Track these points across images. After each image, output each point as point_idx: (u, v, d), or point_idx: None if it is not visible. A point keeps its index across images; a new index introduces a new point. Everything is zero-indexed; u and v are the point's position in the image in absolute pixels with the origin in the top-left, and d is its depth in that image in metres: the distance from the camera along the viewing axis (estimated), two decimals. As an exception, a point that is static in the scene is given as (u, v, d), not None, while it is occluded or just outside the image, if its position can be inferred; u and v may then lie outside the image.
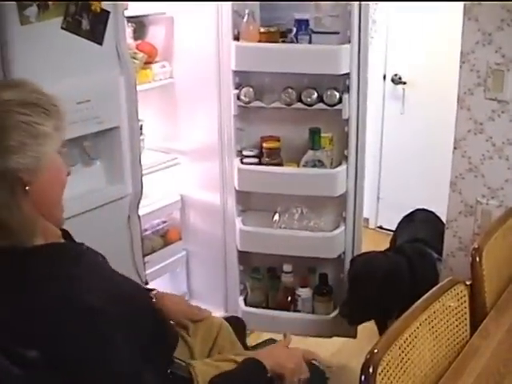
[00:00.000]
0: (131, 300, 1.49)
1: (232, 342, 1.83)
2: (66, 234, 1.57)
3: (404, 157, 4.05)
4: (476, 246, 1.86)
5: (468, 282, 1.79)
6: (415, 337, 1.48)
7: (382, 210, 4.29)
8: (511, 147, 2.24)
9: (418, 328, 1.49)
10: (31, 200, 1.31)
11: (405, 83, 3.94)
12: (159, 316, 1.64)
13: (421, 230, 2.78)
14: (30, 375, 1.24)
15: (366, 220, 4.28)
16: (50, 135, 1.34)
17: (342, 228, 2.71)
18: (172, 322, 1.74)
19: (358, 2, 2.49)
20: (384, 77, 4.03)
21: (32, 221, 1.33)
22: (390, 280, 2.44)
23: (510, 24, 2.15)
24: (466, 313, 1.69)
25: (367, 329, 2.73)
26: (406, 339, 1.45)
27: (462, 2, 2.23)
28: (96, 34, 2.16)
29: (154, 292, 1.79)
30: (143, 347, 1.40)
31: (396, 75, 3.98)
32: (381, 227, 4.28)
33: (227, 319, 1.92)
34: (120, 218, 2.40)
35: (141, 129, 2.91)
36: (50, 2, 1.99)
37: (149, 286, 2.19)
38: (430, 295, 1.59)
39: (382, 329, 2.65)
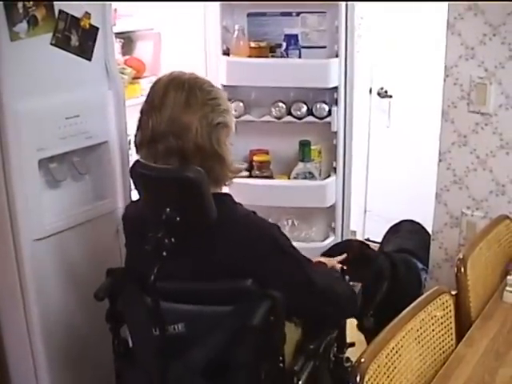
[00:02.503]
0: None
1: None
2: None
3: (390, 169, 4.10)
4: (461, 257, 1.90)
5: (453, 292, 1.83)
6: (401, 346, 1.50)
7: (369, 223, 4.32)
8: (495, 159, 2.29)
9: (404, 337, 1.52)
10: None
11: (391, 96, 3.99)
12: None
13: (406, 241, 2.81)
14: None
15: (354, 232, 4.30)
16: None
17: (331, 238, 2.75)
18: None
19: (344, 18, 2.53)
20: (370, 90, 4.08)
21: None
22: (360, 267, 2.41)
23: (492, 38, 2.20)
24: (451, 322, 1.72)
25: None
26: (393, 348, 1.47)
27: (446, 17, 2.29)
28: (85, 50, 2.18)
29: None
30: None
31: (382, 89, 4.02)
32: (368, 239, 4.29)
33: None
34: (109, 232, 2.40)
35: (130, 143, 2.93)
36: (39, 19, 2.01)
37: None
38: (416, 305, 1.62)
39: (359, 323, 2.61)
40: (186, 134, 1.60)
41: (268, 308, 1.61)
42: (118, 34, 2.81)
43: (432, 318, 1.64)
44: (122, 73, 2.73)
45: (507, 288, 1.94)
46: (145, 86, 2.89)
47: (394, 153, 4.06)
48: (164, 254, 1.60)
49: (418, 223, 2.95)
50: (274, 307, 1.61)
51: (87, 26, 2.18)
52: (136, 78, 2.88)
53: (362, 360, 1.37)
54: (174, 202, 1.62)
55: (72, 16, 2.11)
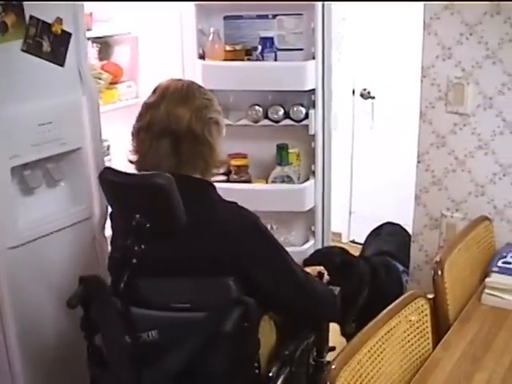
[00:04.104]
0: None
1: None
2: None
3: (375, 171, 4.08)
4: (438, 260, 1.88)
5: (431, 296, 1.81)
6: (375, 352, 1.48)
7: (354, 224, 4.31)
8: (473, 160, 2.27)
9: (377, 343, 1.50)
10: None
11: (373, 98, 3.98)
12: None
13: (387, 243, 2.80)
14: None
15: (339, 234, 4.30)
16: None
17: (311, 242, 2.72)
18: None
19: (320, 19, 2.51)
20: (353, 92, 4.07)
21: None
22: (341, 273, 2.41)
23: (469, 38, 2.18)
24: (427, 326, 1.70)
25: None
26: (365, 354, 1.45)
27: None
28: (57, 56, 2.16)
29: None
30: None
31: (365, 90, 4.01)
32: (353, 241, 4.28)
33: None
34: (86, 239, 2.38)
35: (108, 149, 2.91)
36: (9, 25, 1.99)
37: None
38: (389, 310, 1.60)
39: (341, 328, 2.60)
40: (180, 121, 1.69)
41: (240, 314, 1.60)
42: (95, 39, 2.79)
43: (407, 323, 1.62)
44: (99, 78, 2.71)
45: (486, 290, 1.93)
46: (122, 90, 2.87)
47: (378, 154, 4.04)
48: (134, 261, 1.59)
49: (397, 225, 2.94)
50: (246, 313, 1.61)
51: (59, 31, 2.15)
52: (113, 82, 2.85)
53: (333, 366, 1.35)
54: (143, 208, 1.61)
55: (43, 22, 2.08)
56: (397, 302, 1.65)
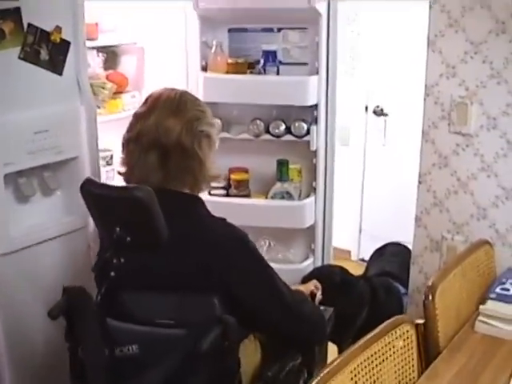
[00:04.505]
0: None
1: None
2: None
3: (386, 188, 4.02)
4: (429, 284, 1.82)
5: (422, 321, 1.75)
6: (351, 378, 1.42)
7: (364, 242, 4.23)
8: (476, 182, 2.21)
9: (355, 369, 1.45)
10: None
11: (386, 115, 3.92)
12: None
13: (389, 264, 2.74)
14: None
15: (348, 252, 4.24)
16: None
17: (310, 260, 2.67)
18: None
19: (325, 33, 2.48)
20: (366, 108, 4.02)
21: None
22: (341, 294, 2.38)
23: (473, 57, 2.14)
24: (413, 353, 1.64)
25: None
26: (342, 380, 1.40)
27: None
28: (55, 65, 2.15)
29: None
30: None
31: (378, 107, 3.96)
32: (363, 259, 4.20)
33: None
34: (80, 249, 2.35)
35: (111, 158, 2.90)
36: (6, 32, 1.99)
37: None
38: (372, 335, 1.54)
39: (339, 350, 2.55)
40: (169, 134, 1.64)
41: (220, 333, 1.56)
42: (102, 48, 2.79)
43: (391, 349, 1.57)
44: (103, 87, 2.71)
45: (479, 317, 1.86)
46: (127, 100, 2.86)
47: (389, 171, 3.98)
48: (112, 274, 1.56)
49: (401, 245, 2.87)
50: (226, 332, 1.57)
51: (58, 40, 2.14)
52: (118, 92, 2.84)
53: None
54: (124, 221, 1.58)
55: (42, 30, 2.08)
56: (381, 326, 1.60)
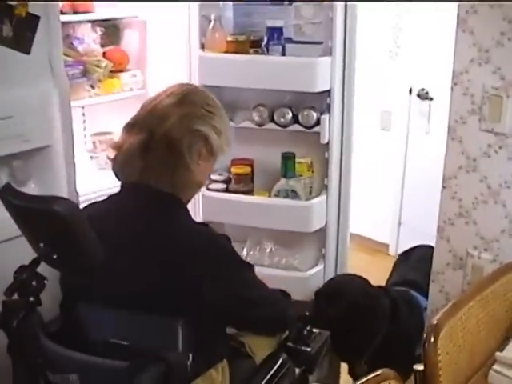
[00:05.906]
0: None
1: None
2: None
3: (429, 180, 3.60)
4: (434, 323, 1.48)
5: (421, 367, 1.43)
6: None
7: (403, 237, 3.88)
8: (509, 191, 1.84)
9: None
10: None
11: (431, 99, 3.51)
12: None
13: (414, 271, 2.41)
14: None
15: (386, 246, 3.93)
16: None
17: (320, 267, 2.35)
18: None
19: (342, 7, 2.12)
20: (410, 91, 3.61)
21: None
22: (362, 313, 2.10)
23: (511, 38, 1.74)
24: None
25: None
26: None
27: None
28: (21, 42, 1.91)
29: None
30: None
31: (423, 90, 3.55)
32: (400, 255, 3.86)
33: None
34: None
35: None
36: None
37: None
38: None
39: (350, 368, 2.29)
40: (161, 121, 1.51)
41: (159, 374, 1.34)
42: (100, 22, 2.53)
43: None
44: (97, 65, 2.45)
45: (495, 366, 1.51)
46: (126, 80, 2.59)
47: (433, 161, 3.56)
48: (31, 299, 1.32)
49: (431, 247, 2.50)
50: (167, 371, 1.34)
51: (23, 14, 1.90)
52: (117, 71, 2.58)
53: None
54: (48, 237, 1.33)
55: (3, 2, 1.83)
56: (361, 381, 1.28)
